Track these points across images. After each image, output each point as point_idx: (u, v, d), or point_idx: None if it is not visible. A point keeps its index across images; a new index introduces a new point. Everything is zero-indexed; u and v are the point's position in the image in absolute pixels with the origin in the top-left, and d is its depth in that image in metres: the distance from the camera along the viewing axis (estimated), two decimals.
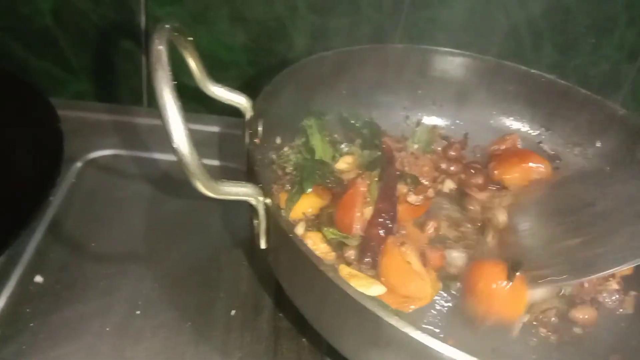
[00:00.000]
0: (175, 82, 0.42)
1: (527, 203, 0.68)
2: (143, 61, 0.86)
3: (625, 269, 0.65)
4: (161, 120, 0.42)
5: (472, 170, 0.73)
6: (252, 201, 0.48)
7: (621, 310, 0.66)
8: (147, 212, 0.72)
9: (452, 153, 0.77)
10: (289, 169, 0.65)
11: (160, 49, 0.43)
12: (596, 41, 0.88)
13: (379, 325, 0.41)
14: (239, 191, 0.47)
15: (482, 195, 0.70)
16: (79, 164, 0.77)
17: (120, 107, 0.83)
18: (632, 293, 0.67)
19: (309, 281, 0.46)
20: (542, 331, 0.61)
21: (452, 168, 0.75)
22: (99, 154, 0.79)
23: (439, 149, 0.78)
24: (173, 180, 0.77)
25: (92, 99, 0.88)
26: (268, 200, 0.48)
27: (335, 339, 0.49)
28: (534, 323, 0.61)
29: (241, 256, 0.69)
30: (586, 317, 0.63)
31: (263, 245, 0.52)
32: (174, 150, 0.42)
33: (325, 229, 0.61)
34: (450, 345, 0.39)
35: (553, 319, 0.62)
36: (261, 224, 0.49)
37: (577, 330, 0.63)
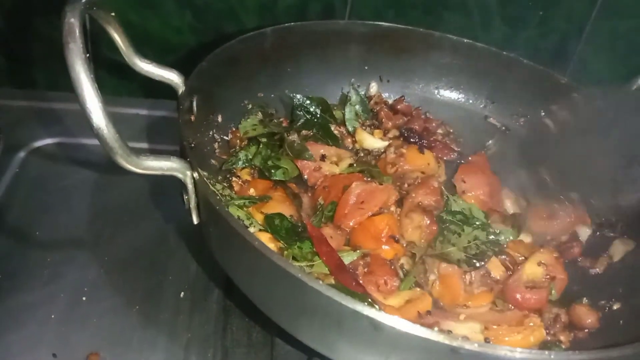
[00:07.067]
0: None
1: None
2: (90, 48, 0.84)
3: None
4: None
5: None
6: (180, 176, 0.47)
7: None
8: (92, 199, 0.71)
9: (399, 107, 0.78)
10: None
11: (72, 22, 0.42)
12: (544, 13, 0.89)
13: (304, 290, 0.41)
14: (164, 165, 0.46)
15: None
16: (22, 154, 0.75)
17: (64, 95, 0.81)
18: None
19: (239, 252, 0.46)
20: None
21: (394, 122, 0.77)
22: (43, 143, 0.77)
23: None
24: (119, 166, 0.76)
25: (40, 88, 0.86)
26: (195, 174, 0.48)
27: (267, 306, 0.49)
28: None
29: (191, 238, 0.68)
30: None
31: (195, 220, 0.51)
32: (89, 124, 0.41)
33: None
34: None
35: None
36: (191, 199, 0.49)
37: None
